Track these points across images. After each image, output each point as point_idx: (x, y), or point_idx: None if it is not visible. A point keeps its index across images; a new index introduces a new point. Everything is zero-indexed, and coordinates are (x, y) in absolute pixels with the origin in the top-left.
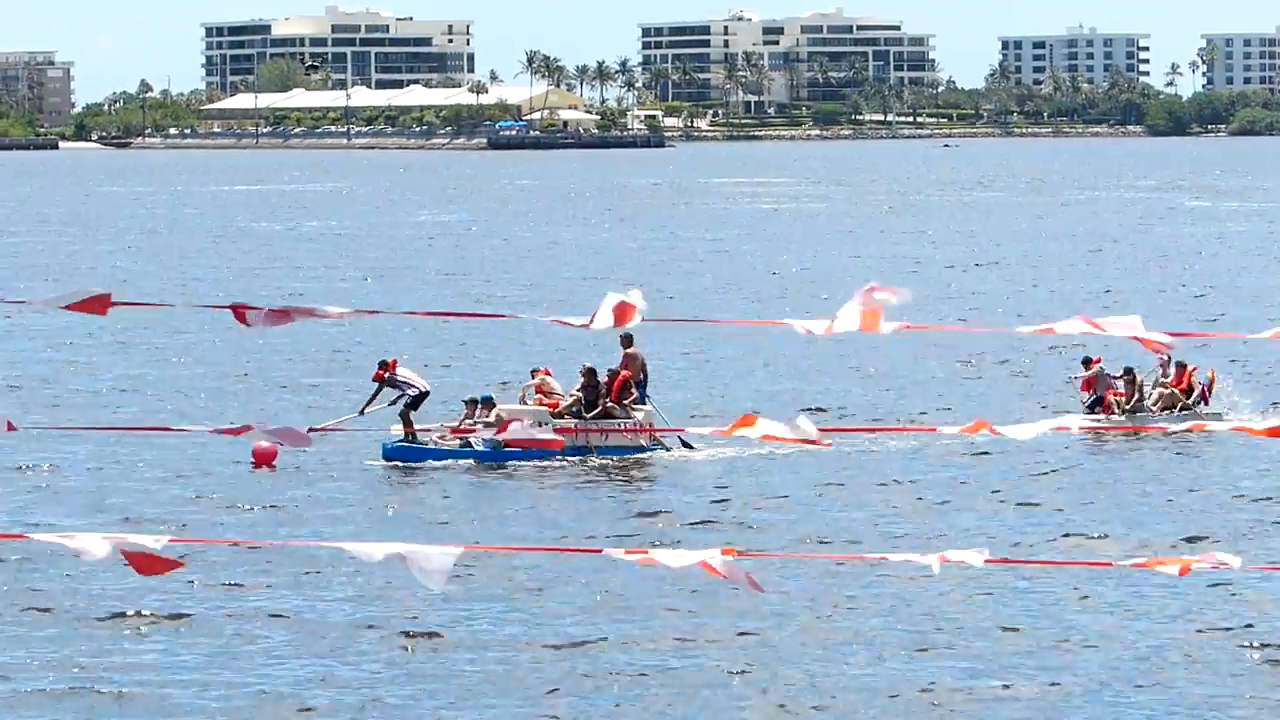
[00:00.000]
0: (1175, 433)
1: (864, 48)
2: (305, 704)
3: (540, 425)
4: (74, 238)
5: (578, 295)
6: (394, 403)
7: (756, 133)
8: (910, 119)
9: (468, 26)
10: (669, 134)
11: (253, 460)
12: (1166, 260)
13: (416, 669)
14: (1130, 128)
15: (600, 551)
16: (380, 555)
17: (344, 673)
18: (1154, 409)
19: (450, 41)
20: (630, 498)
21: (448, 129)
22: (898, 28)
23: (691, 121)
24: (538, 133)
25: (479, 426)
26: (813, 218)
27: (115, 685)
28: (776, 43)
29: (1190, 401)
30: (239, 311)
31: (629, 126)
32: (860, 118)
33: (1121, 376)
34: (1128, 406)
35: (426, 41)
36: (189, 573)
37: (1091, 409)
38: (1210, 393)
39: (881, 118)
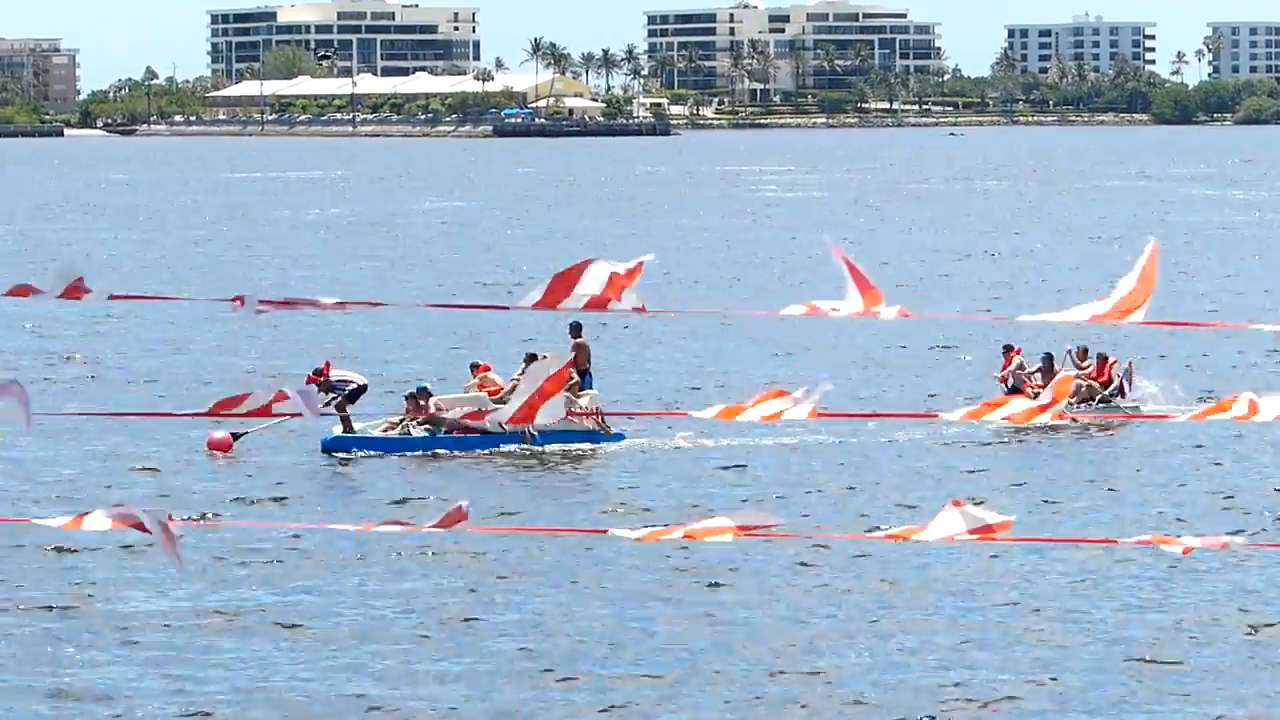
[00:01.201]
0: (1097, 424)
1: (870, 35)
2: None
3: (480, 412)
4: (74, 224)
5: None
6: (327, 405)
7: (762, 121)
8: (916, 107)
9: (473, 14)
10: (674, 122)
11: (208, 449)
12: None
13: (407, 659)
14: (1136, 116)
15: (605, 532)
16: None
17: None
18: (1071, 400)
19: (456, 29)
20: (578, 483)
21: (453, 116)
22: (904, 15)
23: (697, 109)
24: (543, 120)
25: (417, 419)
26: (815, 205)
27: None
28: (782, 30)
29: (1108, 394)
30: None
31: (634, 114)
32: (866, 106)
33: (1038, 369)
34: (1074, 394)
35: (432, 29)
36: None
37: None
38: (1129, 385)
39: (887, 106)
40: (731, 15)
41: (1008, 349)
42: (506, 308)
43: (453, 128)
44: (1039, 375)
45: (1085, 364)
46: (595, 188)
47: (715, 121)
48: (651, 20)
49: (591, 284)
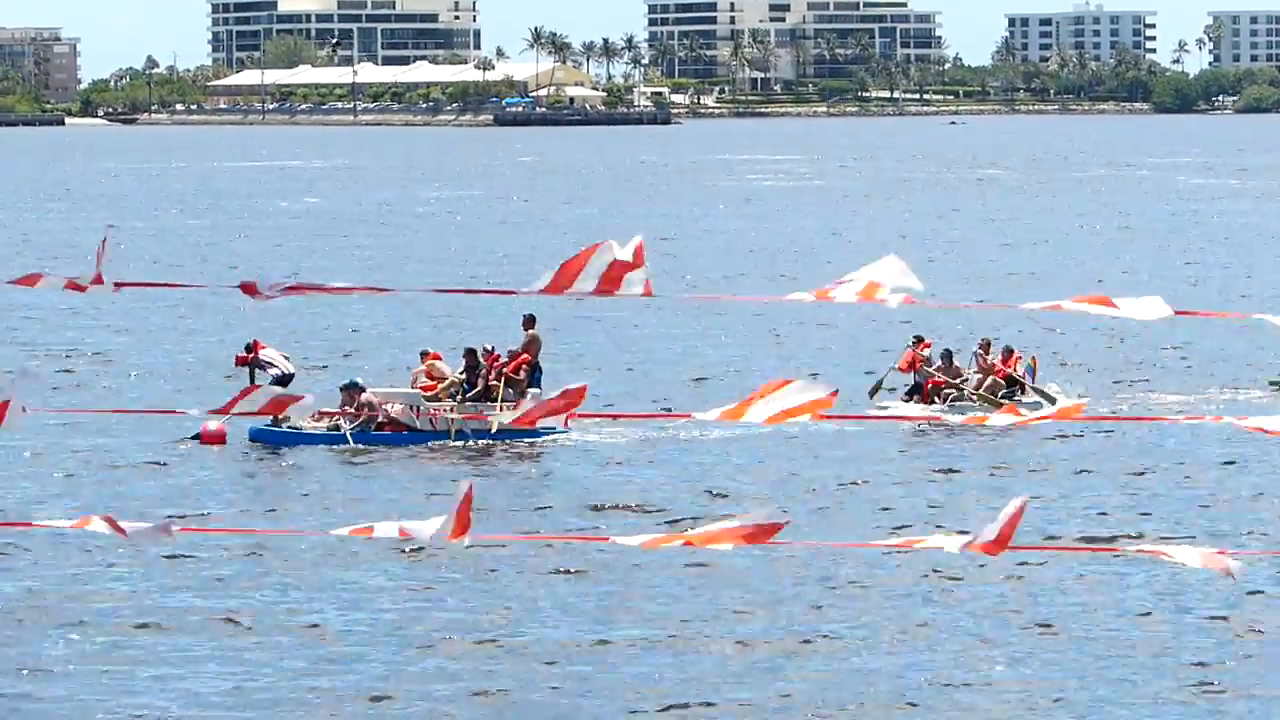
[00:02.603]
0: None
1: (870, 24)
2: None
3: (413, 408)
4: (71, 214)
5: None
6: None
7: (763, 109)
8: (917, 96)
9: (474, 3)
10: (675, 111)
11: (200, 439)
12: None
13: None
14: (1136, 105)
15: (608, 540)
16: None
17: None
18: (973, 396)
19: (457, 18)
20: (522, 481)
21: (454, 105)
22: (904, 4)
23: (698, 98)
24: (544, 109)
25: (347, 411)
26: (815, 193)
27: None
28: (783, 19)
29: (1010, 389)
30: (246, 287)
31: (635, 103)
32: (867, 95)
33: (939, 364)
34: (978, 390)
35: (433, 18)
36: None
37: (910, 395)
38: (1033, 380)
39: (888, 95)
40: (732, 4)
41: (917, 340)
42: (514, 292)
43: (453, 117)
44: (939, 369)
45: (988, 355)
46: (596, 176)
47: (716, 110)
48: (652, 9)
49: (598, 267)
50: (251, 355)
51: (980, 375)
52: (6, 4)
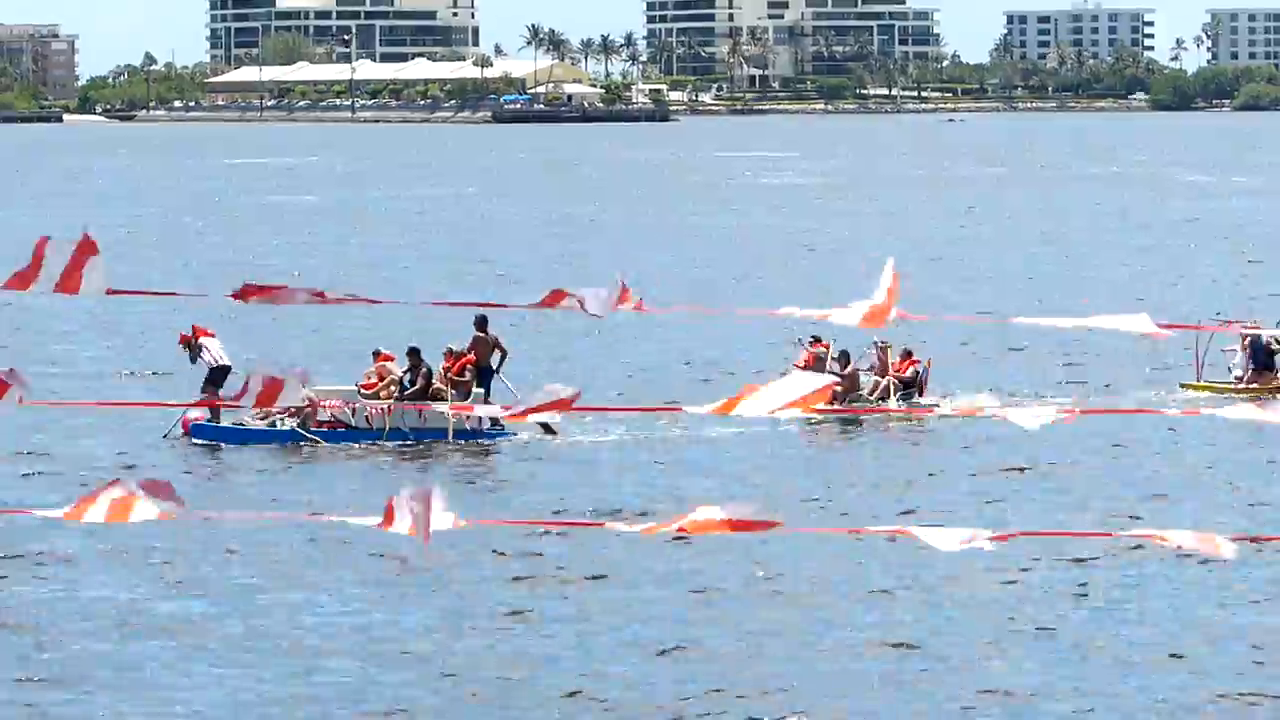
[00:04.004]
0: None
1: (869, 22)
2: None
3: (350, 406)
4: (74, 212)
5: (576, 276)
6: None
7: (761, 107)
8: (915, 94)
9: (472, 0)
10: (674, 108)
11: (182, 431)
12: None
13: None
14: (1135, 102)
15: (602, 525)
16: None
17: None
18: (869, 397)
19: (455, 15)
20: (474, 479)
21: (452, 102)
22: (903, 1)
23: (696, 95)
24: (542, 106)
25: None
26: (812, 191)
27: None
28: (781, 17)
29: (908, 390)
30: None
31: (633, 100)
32: (865, 92)
33: (837, 359)
34: (874, 392)
35: (431, 15)
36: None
37: None
38: (926, 381)
39: (886, 92)
40: (730, 1)
41: (815, 339)
42: (505, 305)
43: (452, 114)
44: (836, 367)
45: (885, 356)
46: (594, 172)
47: (714, 107)
48: (650, 6)
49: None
50: (193, 338)
51: (878, 377)
52: (5, 1)
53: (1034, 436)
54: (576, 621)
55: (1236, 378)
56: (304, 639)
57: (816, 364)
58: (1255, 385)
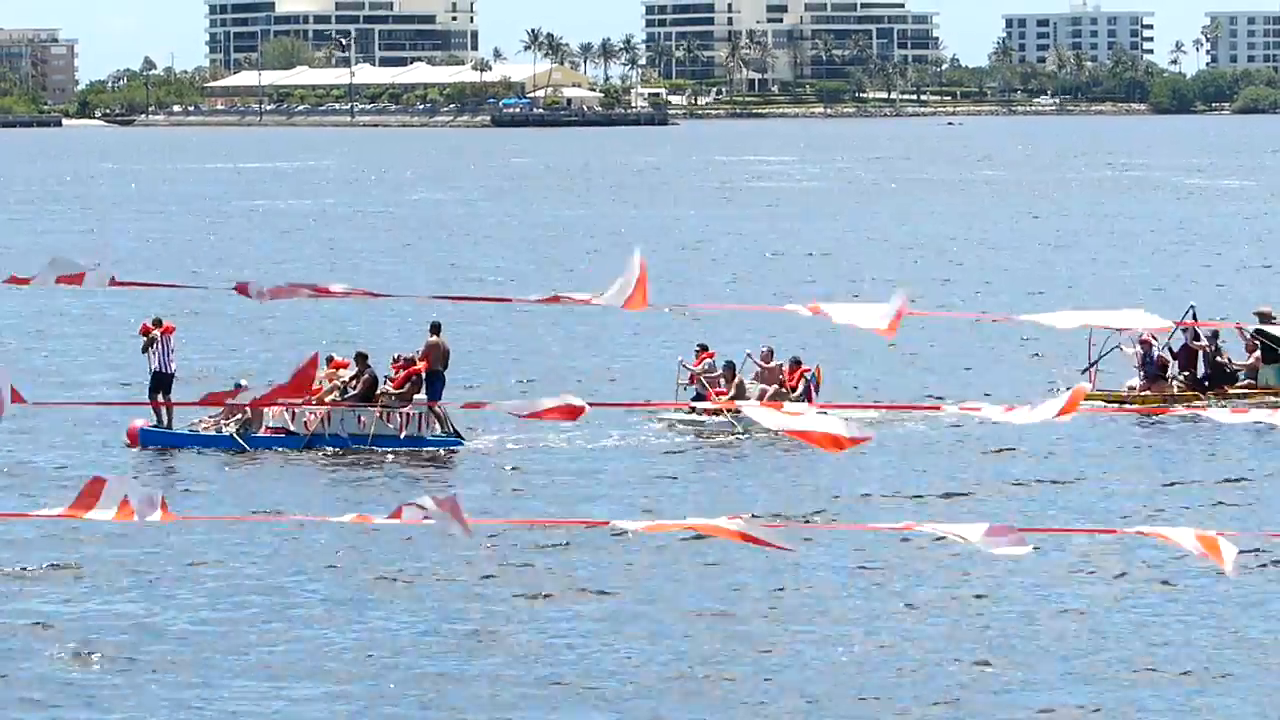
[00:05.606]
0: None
1: (868, 25)
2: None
3: (290, 412)
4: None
5: (577, 276)
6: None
7: (760, 110)
8: (914, 97)
9: (471, 4)
10: (673, 112)
11: (127, 440)
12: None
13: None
14: (1134, 106)
15: (607, 523)
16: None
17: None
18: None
19: (454, 19)
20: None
21: (451, 106)
22: (901, 5)
23: (695, 99)
24: (541, 110)
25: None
26: (814, 195)
27: None
28: (780, 20)
29: (795, 399)
30: (240, 287)
31: (633, 104)
32: (864, 96)
33: (721, 374)
34: (760, 400)
35: (430, 19)
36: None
37: (692, 408)
38: (816, 392)
39: (885, 95)
40: (729, 5)
41: (702, 348)
42: (509, 300)
43: (451, 118)
44: (722, 380)
45: (770, 364)
46: (594, 177)
47: (713, 111)
48: (649, 10)
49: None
50: (157, 330)
51: (763, 385)
52: (4, 5)
53: (1034, 436)
54: (576, 623)
55: (1130, 387)
56: (272, 650)
57: (699, 377)
58: (1149, 393)
